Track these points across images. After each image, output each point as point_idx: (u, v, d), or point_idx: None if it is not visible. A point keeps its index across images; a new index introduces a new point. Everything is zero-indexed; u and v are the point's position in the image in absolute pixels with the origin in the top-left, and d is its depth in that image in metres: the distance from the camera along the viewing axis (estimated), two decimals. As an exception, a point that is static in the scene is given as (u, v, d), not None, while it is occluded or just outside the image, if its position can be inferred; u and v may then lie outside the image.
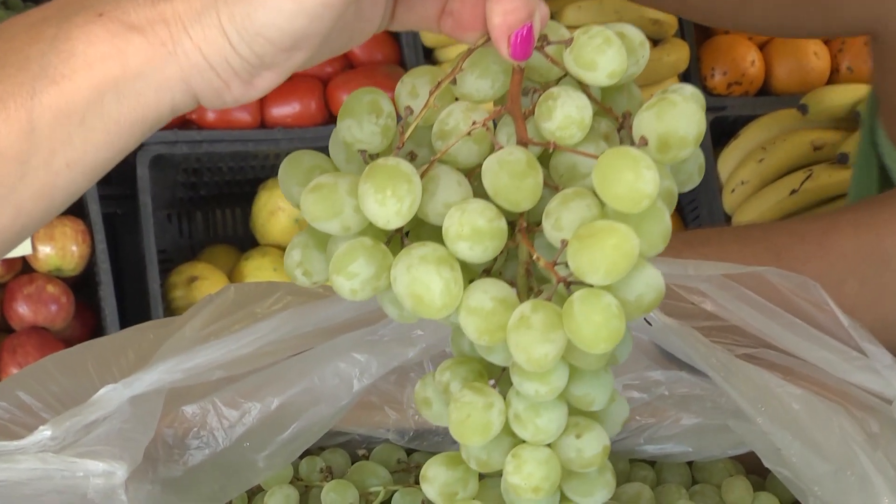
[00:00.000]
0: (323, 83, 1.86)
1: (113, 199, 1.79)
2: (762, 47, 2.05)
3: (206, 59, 0.53)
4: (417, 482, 0.80)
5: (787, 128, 1.98)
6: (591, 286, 0.54)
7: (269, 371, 0.71)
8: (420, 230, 0.59)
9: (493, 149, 0.57)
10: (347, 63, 1.89)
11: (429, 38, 1.88)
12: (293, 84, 1.84)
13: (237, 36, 0.53)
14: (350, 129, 0.58)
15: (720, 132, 2.00)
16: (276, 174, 1.87)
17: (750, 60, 2.01)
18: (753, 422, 0.68)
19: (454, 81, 0.58)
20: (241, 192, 1.92)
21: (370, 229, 0.57)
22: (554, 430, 0.59)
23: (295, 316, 0.69)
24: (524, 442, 0.60)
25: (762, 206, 1.92)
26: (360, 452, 0.81)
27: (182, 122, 1.81)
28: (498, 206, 0.56)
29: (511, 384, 0.59)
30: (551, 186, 0.57)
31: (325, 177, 0.57)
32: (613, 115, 0.59)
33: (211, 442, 0.71)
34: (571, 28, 0.57)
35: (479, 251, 0.55)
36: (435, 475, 0.64)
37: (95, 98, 0.52)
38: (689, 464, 0.83)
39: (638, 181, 0.53)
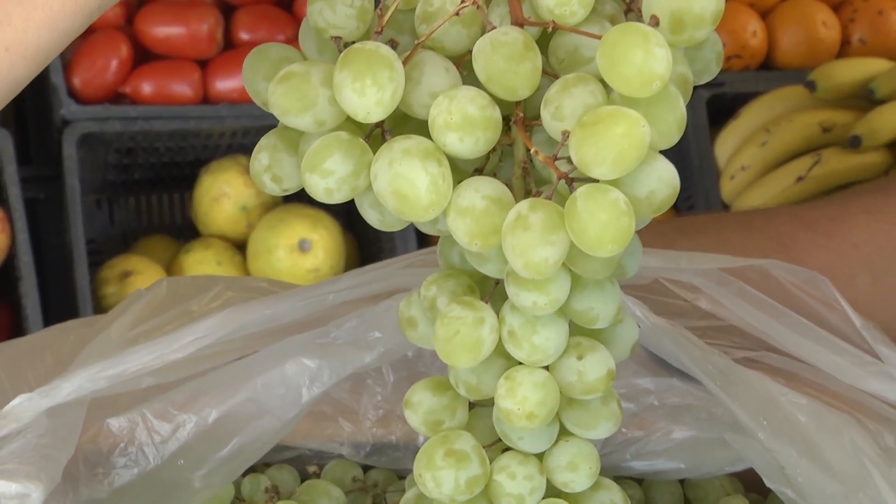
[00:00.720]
0: None
1: (35, 182, 1.78)
2: (765, 16, 2.06)
3: None
4: (375, 503, 0.79)
5: (792, 107, 1.99)
6: (597, 181, 0.54)
7: (207, 378, 0.70)
8: (403, 126, 0.58)
9: (483, 31, 0.57)
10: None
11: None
12: (240, 54, 1.83)
13: None
14: (322, 13, 0.57)
15: (718, 111, 2.00)
16: (221, 156, 1.90)
17: (751, 31, 2.01)
18: (754, 436, 0.68)
19: None
20: (181, 176, 1.92)
21: (347, 124, 0.57)
22: (553, 349, 0.59)
23: (236, 315, 0.68)
24: (519, 364, 0.60)
25: (765, 195, 1.93)
26: (311, 469, 0.80)
27: (115, 97, 1.80)
28: (491, 95, 0.56)
29: (504, 301, 0.59)
30: (550, 74, 0.57)
31: (297, 65, 0.56)
32: None
33: (140, 459, 0.70)
34: None
35: (469, 143, 0.55)
36: (419, 401, 0.63)
37: None
38: (682, 482, 0.83)
39: (648, 60, 0.52)
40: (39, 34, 0.53)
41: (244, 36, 1.88)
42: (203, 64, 1.84)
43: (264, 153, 0.59)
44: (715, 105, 1.99)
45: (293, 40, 1.87)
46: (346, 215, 1.91)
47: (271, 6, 1.91)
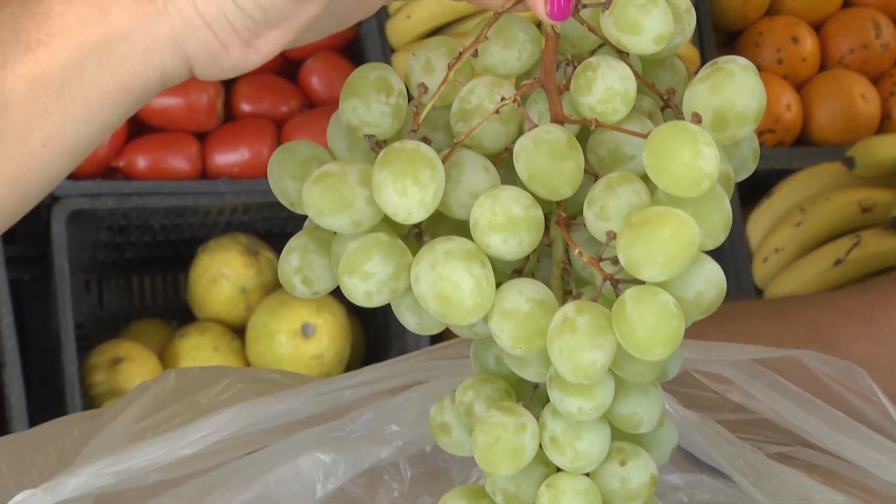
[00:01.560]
0: (277, 125, 1.88)
1: (20, 262, 1.79)
2: (799, 88, 2.08)
3: (201, 16, 0.56)
4: None
5: (829, 185, 2.00)
6: (643, 283, 0.57)
7: (217, 473, 0.71)
8: (437, 227, 0.61)
9: (521, 130, 0.60)
10: (306, 101, 1.91)
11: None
12: (241, 126, 1.86)
13: None
14: (356, 111, 0.60)
15: (750, 189, 2.02)
16: (219, 234, 1.91)
17: (785, 104, 2.03)
18: (790, 536, 0.70)
19: (475, 53, 0.61)
20: (176, 255, 1.93)
21: (382, 225, 0.59)
22: (596, 455, 0.61)
23: (248, 408, 0.70)
24: (559, 470, 0.62)
25: (801, 279, 1.94)
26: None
27: (107, 171, 1.81)
28: (532, 194, 0.58)
29: (543, 405, 0.61)
30: (589, 172, 0.60)
31: (332, 165, 0.59)
32: (657, 92, 0.62)
33: (149, 558, 0.71)
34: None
35: (514, 245, 0.58)
36: None
37: (75, 64, 0.55)
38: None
39: (697, 159, 0.56)
40: (77, 129, 0.55)
41: (245, 107, 1.90)
42: (202, 137, 1.85)
43: (295, 254, 0.62)
44: (747, 183, 1.95)
45: (297, 112, 1.90)
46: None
47: (274, 76, 1.94)
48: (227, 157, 1.84)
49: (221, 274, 1.86)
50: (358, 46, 1.95)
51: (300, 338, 1.82)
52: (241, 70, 0.58)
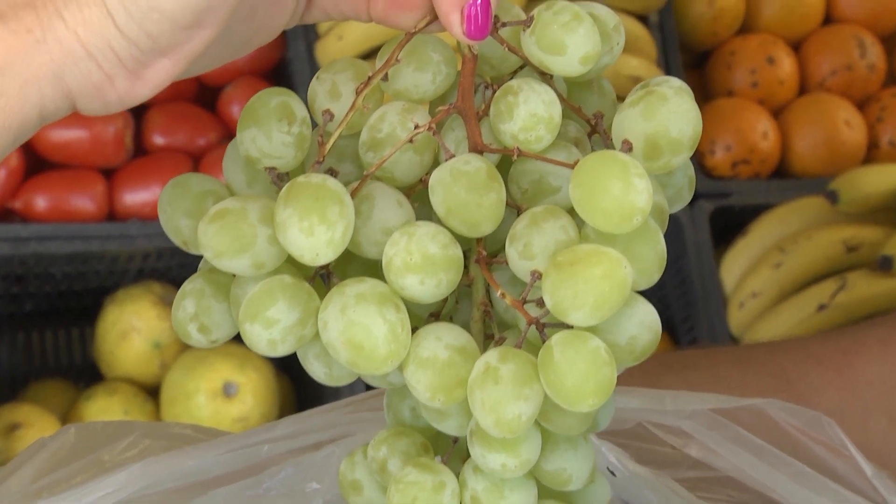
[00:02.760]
0: (194, 160, 1.89)
1: None
2: (777, 114, 2.09)
3: (83, 46, 0.57)
4: None
5: (811, 221, 2.01)
6: (571, 327, 0.58)
7: (119, 536, 0.72)
8: (347, 267, 0.62)
9: (438, 160, 0.61)
10: (226, 132, 1.92)
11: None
12: (153, 161, 1.87)
13: (124, 13, 0.56)
14: (255, 141, 0.62)
15: (724, 227, 2.03)
16: (129, 283, 1.90)
17: (761, 132, 2.04)
18: None
19: (385, 77, 0.63)
20: (81, 307, 1.93)
21: (287, 266, 0.60)
22: None
23: (154, 465, 0.71)
24: None
25: (781, 326, 1.95)
26: None
27: (2, 213, 1.81)
28: (450, 230, 0.60)
29: (463, 461, 0.62)
30: (512, 206, 0.61)
31: (230, 201, 0.60)
32: (583, 117, 0.63)
33: None
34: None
35: (431, 286, 0.59)
36: None
37: None
38: None
39: (629, 192, 0.57)
40: None
41: (158, 140, 1.90)
42: (109, 173, 1.85)
43: (190, 300, 0.63)
44: (720, 219, 2.01)
45: (216, 144, 1.90)
46: (279, 354, 1.92)
47: (190, 104, 1.94)
48: (138, 196, 1.84)
49: (132, 327, 1.86)
50: (284, 71, 1.96)
51: (221, 398, 1.82)
52: (128, 104, 0.58)
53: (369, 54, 1.95)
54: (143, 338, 1.86)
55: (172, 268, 1.90)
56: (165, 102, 1.92)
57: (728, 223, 2.04)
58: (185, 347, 1.88)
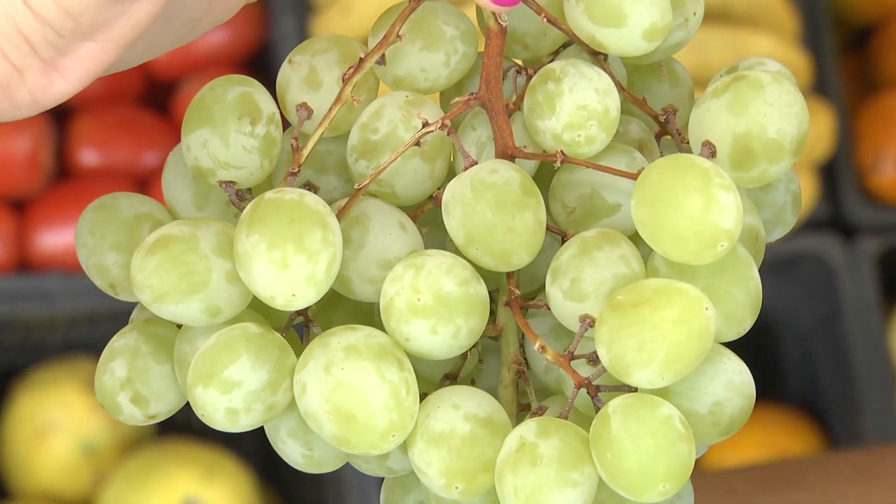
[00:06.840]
0: (139, 185, 1.91)
1: None
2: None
3: None
4: None
5: None
6: (635, 390, 0.61)
7: None
8: (332, 312, 0.65)
9: (453, 169, 0.64)
10: (184, 147, 1.97)
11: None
12: (82, 188, 1.90)
13: None
14: (207, 146, 0.64)
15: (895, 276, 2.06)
16: (49, 359, 1.90)
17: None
18: None
19: (382, 59, 0.65)
20: (-17, 395, 1.92)
21: (251, 312, 0.63)
22: None
23: None
24: None
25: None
26: None
27: None
28: (471, 262, 0.62)
29: None
30: (553, 231, 0.64)
31: (174, 226, 0.62)
32: (650, 111, 0.67)
33: None
34: None
35: (446, 337, 0.61)
36: None
37: None
38: None
39: (710, 210, 0.59)
40: None
41: (88, 157, 1.93)
42: (20, 206, 1.88)
43: (120, 361, 0.65)
44: (891, 264, 2.05)
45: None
46: (260, 453, 1.94)
47: (133, 108, 1.97)
48: (61, 238, 1.87)
49: (53, 424, 1.89)
50: (265, 59, 1.98)
51: (181, 523, 1.80)
52: (44, 104, 0.61)
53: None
54: (67, 438, 1.89)
55: (109, 337, 1.93)
56: (98, 106, 1.94)
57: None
58: (127, 450, 1.88)
